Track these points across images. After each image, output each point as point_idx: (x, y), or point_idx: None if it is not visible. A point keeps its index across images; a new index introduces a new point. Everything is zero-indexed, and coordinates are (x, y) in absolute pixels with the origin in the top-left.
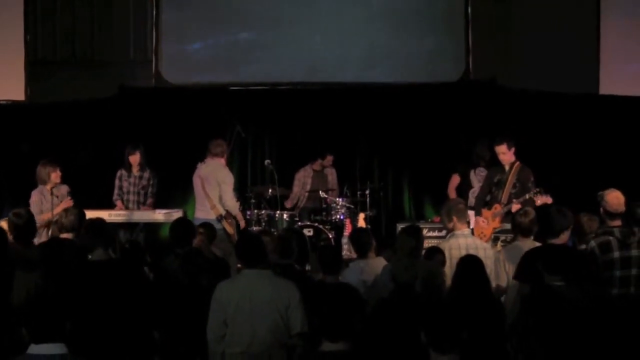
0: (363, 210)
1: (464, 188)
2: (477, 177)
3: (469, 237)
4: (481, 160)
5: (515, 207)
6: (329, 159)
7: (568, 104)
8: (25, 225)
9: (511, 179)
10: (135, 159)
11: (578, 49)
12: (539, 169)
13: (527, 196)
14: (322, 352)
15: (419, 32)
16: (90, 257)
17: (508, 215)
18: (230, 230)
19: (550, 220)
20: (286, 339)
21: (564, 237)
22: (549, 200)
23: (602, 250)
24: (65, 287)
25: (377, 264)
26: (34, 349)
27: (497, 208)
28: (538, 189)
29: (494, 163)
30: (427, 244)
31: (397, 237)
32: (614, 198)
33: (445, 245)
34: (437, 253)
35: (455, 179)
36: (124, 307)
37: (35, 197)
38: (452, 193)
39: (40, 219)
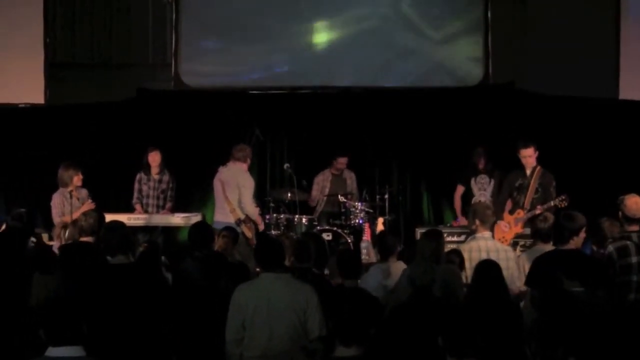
0: (382, 214)
1: (467, 196)
2: (477, 185)
3: (490, 240)
4: (477, 168)
5: (538, 212)
6: (341, 161)
7: (587, 109)
8: (22, 228)
9: (533, 184)
10: (155, 158)
11: (598, 53)
12: (558, 174)
13: (552, 203)
14: (336, 357)
15: (438, 36)
16: (110, 260)
17: (531, 221)
18: (249, 234)
19: (558, 226)
20: (304, 342)
21: (575, 242)
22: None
23: (620, 254)
24: (83, 290)
25: (398, 268)
26: (52, 351)
27: (520, 214)
28: (563, 197)
29: (490, 170)
30: (446, 248)
31: (417, 241)
32: (633, 203)
33: (465, 247)
34: (454, 256)
35: (460, 189)
36: (142, 310)
37: (57, 199)
38: (457, 202)
39: (61, 221)
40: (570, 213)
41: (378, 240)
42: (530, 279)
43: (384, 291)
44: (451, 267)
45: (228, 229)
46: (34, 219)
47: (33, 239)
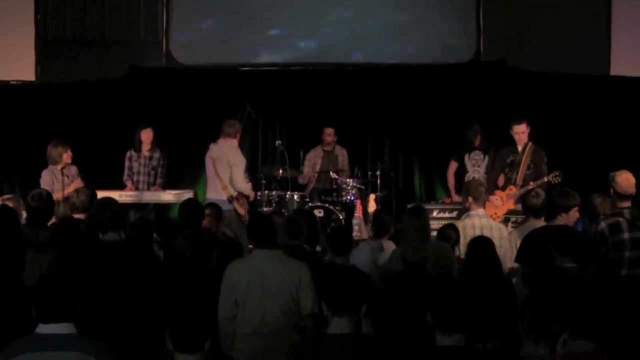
0: (374, 191)
1: (461, 173)
2: (472, 161)
3: (484, 217)
4: (472, 145)
5: (532, 188)
6: (328, 132)
7: (579, 85)
8: (44, 208)
9: (525, 160)
10: (148, 135)
11: (589, 30)
12: (550, 151)
13: (545, 179)
14: (329, 334)
15: (430, 13)
16: (101, 237)
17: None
18: (241, 211)
19: (549, 202)
20: (297, 319)
21: (564, 219)
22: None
23: (612, 231)
24: (75, 267)
25: (389, 246)
26: (43, 328)
27: (512, 190)
28: (557, 173)
29: (485, 146)
30: (438, 225)
31: (401, 219)
32: (624, 179)
33: (459, 225)
34: (450, 230)
35: (453, 165)
36: (133, 287)
37: (46, 177)
38: (450, 178)
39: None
40: (565, 190)
41: (373, 217)
42: (520, 256)
43: (374, 266)
44: (443, 244)
45: (211, 205)
46: (24, 197)
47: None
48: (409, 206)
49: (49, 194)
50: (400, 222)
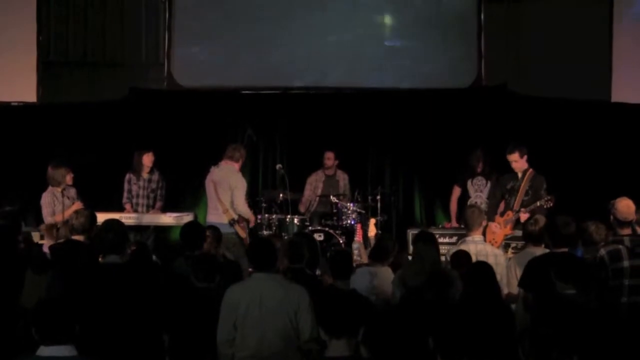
0: (374, 215)
1: (464, 198)
2: (474, 187)
3: (480, 243)
4: (475, 170)
5: (523, 215)
6: (328, 155)
7: (580, 111)
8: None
9: (524, 186)
10: (148, 158)
11: (590, 56)
12: (551, 176)
13: (537, 204)
14: (329, 357)
15: (431, 38)
16: (102, 259)
17: (519, 222)
18: (242, 234)
19: (556, 229)
20: (295, 343)
21: (569, 245)
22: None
23: (612, 258)
24: (76, 289)
25: (386, 272)
26: (43, 350)
27: (509, 215)
28: (549, 197)
29: (487, 172)
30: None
31: (415, 245)
32: (624, 206)
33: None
34: (463, 258)
35: (457, 190)
36: (134, 309)
37: (47, 198)
38: (453, 204)
39: (51, 220)
40: (567, 219)
41: (375, 242)
42: (523, 281)
43: (372, 293)
44: (446, 269)
45: (211, 228)
46: (24, 218)
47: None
48: (413, 232)
49: (17, 212)
50: (415, 247)
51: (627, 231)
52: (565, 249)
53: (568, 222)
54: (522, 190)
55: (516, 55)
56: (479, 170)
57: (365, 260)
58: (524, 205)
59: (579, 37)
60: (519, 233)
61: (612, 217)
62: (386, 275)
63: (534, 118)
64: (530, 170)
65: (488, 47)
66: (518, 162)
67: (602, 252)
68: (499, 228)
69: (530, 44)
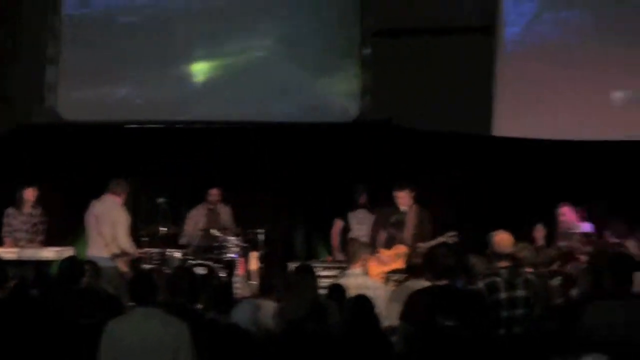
0: (256, 249)
1: (346, 231)
2: (356, 220)
3: (360, 276)
4: (357, 204)
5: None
6: (213, 192)
7: (462, 145)
8: None
9: (412, 220)
10: (32, 194)
11: (473, 89)
12: (437, 209)
13: (442, 239)
14: None
15: (316, 71)
16: None
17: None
18: (124, 268)
19: (436, 260)
20: None
21: (449, 277)
22: None
23: (490, 290)
24: None
25: (270, 305)
26: None
27: (401, 249)
28: (453, 233)
29: (369, 205)
30: (322, 282)
31: (291, 276)
32: (501, 240)
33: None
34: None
35: (338, 223)
36: (14, 346)
37: None
38: (335, 237)
39: None
40: (447, 250)
41: (260, 276)
42: (404, 314)
43: (254, 326)
44: (330, 302)
45: (89, 262)
46: None
47: None
48: (295, 265)
49: None
50: (290, 278)
51: (504, 263)
52: (446, 281)
53: (447, 253)
54: (410, 224)
55: (401, 90)
56: (361, 203)
57: (246, 293)
58: (416, 239)
59: (462, 71)
60: None
61: (489, 250)
62: (270, 308)
63: (417, 152)
64: (415, 205)
65: (373, 81)
66: (405, 198)
67: (480, 284)
68: (386, 262)
69: (415, 78)
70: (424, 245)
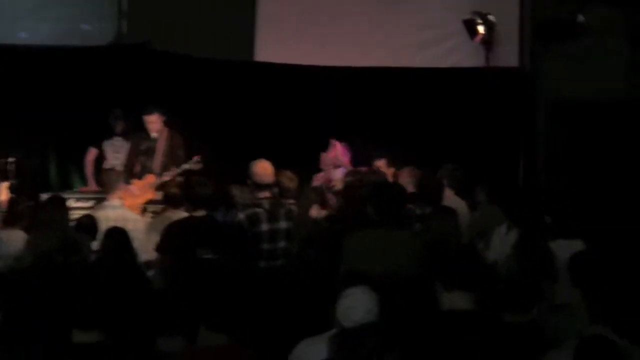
0: (6, 179)
1: (100, 160)
2: (112, 148)
3: (119, 208)
4: (113, 131)
5: (172, 176)
6: None
7: (223, 70)
8: None
9: (161, 148)
10: None
11: (235, 15)
12: (192, 136)
13: (186, 166)
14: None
15: None
16: None
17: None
18: None
19: (192, 190)
20: None
21: (208, 208)
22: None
23: (251, 222)
24: None
25: (17, 236)
26: None
27: (151, 178)
28: (197, 159)
29: (126, 132)
30: (77, 214)
31: (42, 209)
32: (261, 169)
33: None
34: (88, 220)
35: (92, 152)
36: None
37: None
38: (89, 166)
39: None
40: (205, 180)
41: (8, 206)
42: (161, 246)
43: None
44: (81, 235)
45: None
46: None
47: None
48: (47, 195)
49: None
50: (41, 211)
51: (266, 194)
52: (204, 212)
53: (205, 182)
54: (160, 151)
55: (160, 13)
56: (117, 130)
57: None
58: (164, 167)
59: None
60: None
61: (249, 181)
62: (18, 239)
63: (177, 77)
64: (167, 130)
65: (131, 3)
66: (155, 123)
67: (241, 215)
68: (139, 192)
69: (175, 1)
70: (168, 174)
